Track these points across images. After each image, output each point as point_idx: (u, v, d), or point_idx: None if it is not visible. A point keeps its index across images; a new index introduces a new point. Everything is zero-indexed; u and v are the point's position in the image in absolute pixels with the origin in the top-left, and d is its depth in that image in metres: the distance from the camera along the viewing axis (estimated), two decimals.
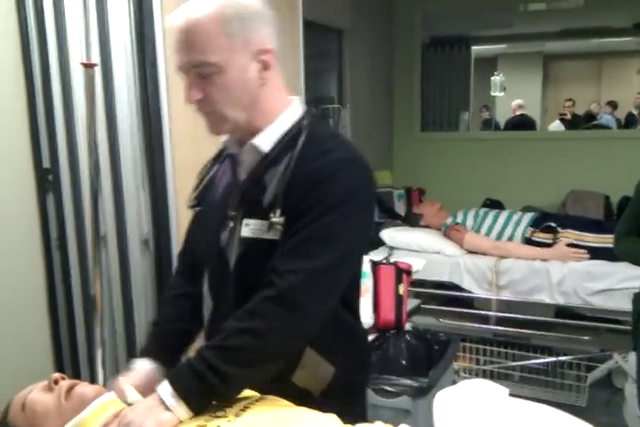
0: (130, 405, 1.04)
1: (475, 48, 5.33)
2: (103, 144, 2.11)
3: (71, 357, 2.31)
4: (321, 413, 0.99)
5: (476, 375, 3.24)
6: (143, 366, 1.21)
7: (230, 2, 1.08)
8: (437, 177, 4.97)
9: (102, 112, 2.08)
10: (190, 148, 2.13)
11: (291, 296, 1.05)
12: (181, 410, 0.97)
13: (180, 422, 0.97)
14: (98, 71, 2.00)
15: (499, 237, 3.42)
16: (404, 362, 2.50)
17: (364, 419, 1.16)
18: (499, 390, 1.01)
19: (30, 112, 2.19)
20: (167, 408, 0.97)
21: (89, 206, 2.16)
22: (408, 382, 2.08)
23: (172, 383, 1.00)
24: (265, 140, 1.15)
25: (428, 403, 2.08)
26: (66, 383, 1.04)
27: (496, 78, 6.71)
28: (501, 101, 6.59)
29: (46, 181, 2.23)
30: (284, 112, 1.17)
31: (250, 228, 1.13)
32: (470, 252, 3.40)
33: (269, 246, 1.10)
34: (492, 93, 6.69)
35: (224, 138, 1.28)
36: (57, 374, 1.07)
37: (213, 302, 1.23)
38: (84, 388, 1.04)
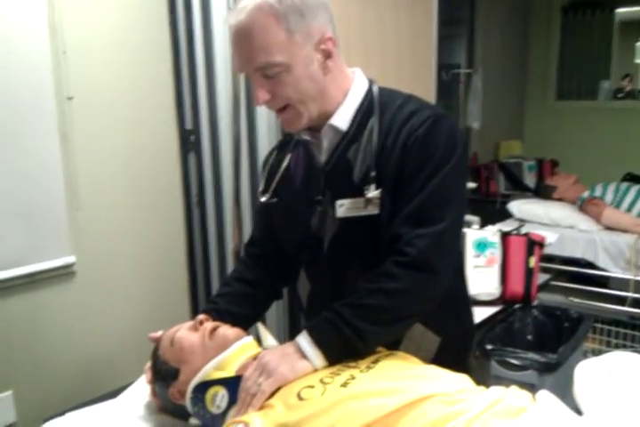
0: (265, 350, 1.10)
1: (619, 11, 4.85)
2: (242, 106, 2.19)
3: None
4: (453, 372, 0.99)
5: None
6: None
7: None
8: (572, 149, 4.65)
9: (243, 74, 2.15)
10: None
11: (423, 261, 1.05)
12: (318, 360, 1.01)
13: (315, 370, 1.01)
14: None
15: None
16: (529, 337, 2.42)
17: None
18: None
19: (175, 75, 2.32)
20: (304, 356, 1.01)
21: (228, 166, 2.28)
22: (536, 356, 2.02)
23: (311, 334, 1.03)
24: (341, 119, 1.13)
25: (555, 379, 2.02)
26: (210, 325, 1.12)
27: None
28: None
29: (188, 141, 2.37)
30: (351, 88, 1.14)
31: (345, 208, 1.12)
32: (608, 228, 3.18)
33: (366, 222, 1.10)
34: (638, 61, 6.09)
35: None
36: (202, 316, 1.15)
37: (310, 283, 1.25)
38: (225, 330, 1.11)
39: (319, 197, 1.16)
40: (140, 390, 1.23)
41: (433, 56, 2.68)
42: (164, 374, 1.10)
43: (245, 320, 1.28)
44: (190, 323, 1.15)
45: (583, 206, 3.32)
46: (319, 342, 1.02)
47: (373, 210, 1.09)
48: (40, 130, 1.86)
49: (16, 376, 1.93)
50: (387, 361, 1.02)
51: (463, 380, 0.97)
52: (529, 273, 2.23)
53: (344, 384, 0.92)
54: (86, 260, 2.07)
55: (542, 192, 3.73)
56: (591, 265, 3.16)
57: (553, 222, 3.27)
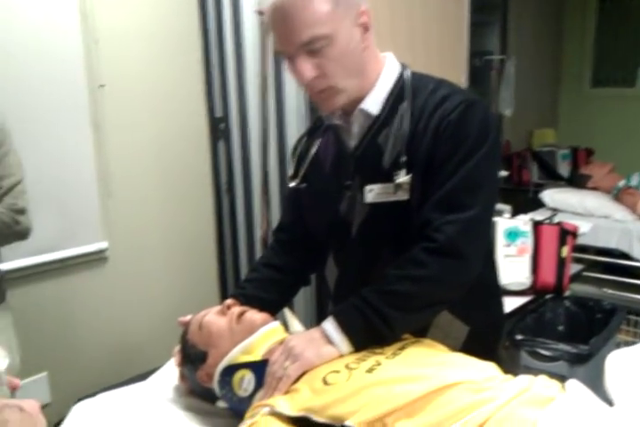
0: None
1: None
2: (271, 94, 2.19)
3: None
4: (479, 360, 0.98)
5: None
6: None
7: None
8: (608, 137, 4.53)
9: (271, 62, 2.15)
10: None
11: (451, 247, 1.04)
12: (344, 345, 1.00)
13: (340, 356, 1.01)
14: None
15: None
16: (560, 328, 2.38)
17: None
18: None
19: (205, 64, 2.33)
20: (329, 342, 1.01)
21: (256, 153, 2.28)
22: (567, 347, 1.98)
23: (337, 320, 1.03)
24: (373, 103, 1.11)
25: (586, 371, 1.99)
26: (237, 309, 1.13)
27: None
28: None
29: (218, 129, 2.38)
30: (383, 72, 1.13)
31: (374, 193, 1.11)
32: None
33: (395, 208, 1.09)
34: None
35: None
36: (230, 301, 1.16)
37: (338, 269, 1.25)
38: (253, 314, 1.11)
39: (348, 182, 1.15)
40: (170, 373, 1.25)
41: (464, 42, 2.63)
42: (193, 358, 1.11)
43: (273, 306, 1.28)
44: (218, 307, 1.16)
45: (618, 196, 3.25)
46: (345, 327, 1.01)
47: (403, 195, 1.08)
48: (73, 118, 1.90)
49: (50, 359, 1.99)
50: (413, 348, 1.01)
51: (490, 368, 0.95)
52: (561, 263, 2.19)
53: (370, 370, 0.92)
54: (118, 246, 2.11)
55: (576, 181, 3.65)
56: (625, 256, 3.08)
57: (587, 212, 3.20)
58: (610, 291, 3.11)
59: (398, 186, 1.07)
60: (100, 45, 1.96)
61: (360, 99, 1.12)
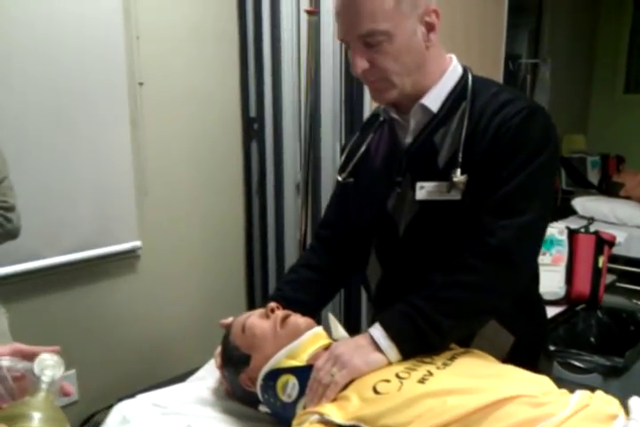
0: (334, 340, 1.08)
1: None
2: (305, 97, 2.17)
3: (262, 295, 2.50)
4: (532, 373, 0.96)
5: None
6: None
7: None
8: (639, 145, 4.46)
9: (305, 67, 2.13)
10: None
11: (504, 253, 1.01)
12: (392, 353, 0.98)
13: (388, 364, 0.99)
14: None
15: None
16: (592, 339, 2.34)
17: None
18: None
19: (241, 63, 2.33)
20: (378, 349, 0.99)
21: (289, 155, 2.27)
22: (601, 360, 1.95)
23: (385, 327, 1.01)
24: (433, 100, 1.10)
25: (621, 384, 1.95)
26: (281, 313, 1.11)
27: None
28: None
29: (251, 129, 2.37)
30: (448, 70, 1.12)
31: (426, 190, 1.09)
32: None
33: (447, 208, 1.07)
34: None
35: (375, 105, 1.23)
36: (273, 304, 1.15)
37: (382, 269, 1.22)
38: (297, 318, 1.10)
39: (399, 178, 1.14)
40: (208, 375, 1.24)
41: (502, 45, 2.60)
42: (235, 360, 1.10)
43: (312, 308, 1.26)
44: (261, 310, 1.14)
45: None
46: (394, 334, 0.99)
47: (456, 195, 1.06)
48: (112, 115, 1.90)
49: (80, 356, 1.99)
50: (464, 358, 0.99)
51: (546, 381, 0.93)
52: (597, 273, 2.15)
53: (421, 380, 0.90)
54: (151, 245, 2.11)
55: (608, 189, 3.59)
56: None
57: (620, 221, 3.15)
58: None
59: (453, 185, 1.06)
60: (140, 41, 1.96)
61: (418, 95, 1.11)
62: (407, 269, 1.16)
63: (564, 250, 2.17)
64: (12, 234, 1.39)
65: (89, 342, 2.02)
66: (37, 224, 1.73)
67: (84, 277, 1.96)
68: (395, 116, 1.16)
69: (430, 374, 0.92)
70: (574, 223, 3.08)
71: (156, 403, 1.14)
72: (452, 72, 1.12)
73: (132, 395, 1.17)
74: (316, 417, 0.89)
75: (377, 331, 1.01)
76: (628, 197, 3.43)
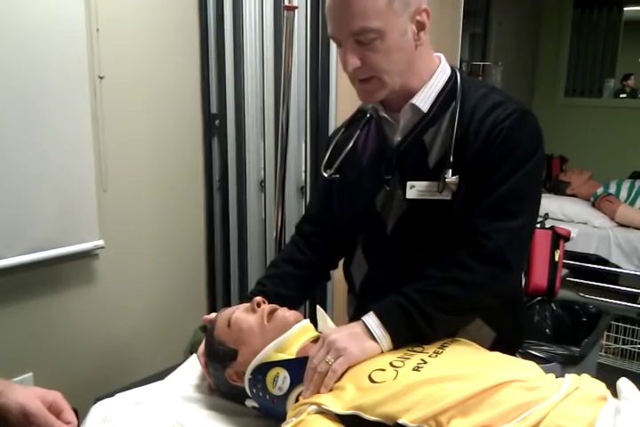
0: (321, 333, 1.08)
1: (627, 9, 4.85)
2: (269, 93, 2.16)
3: (223, 295, 2.46)
4: (521, 359, 0.98)
5: (613, 355, 3.10)
6: None
7: None
8: (579, 145, 4.64)
9: (272, 59, 2.12)
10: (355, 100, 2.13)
11: (499, 256, 1.05)
12: (385, 342, 1.00)
13: (381, 353, 1.00)
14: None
15: None
16: (547, 331, 2.43)
17: None
18: None
19: (202, 59, 2.29)
20: (372, 338, 1.00)
21: (252, 152, 2.25)
22: (559, 349, 2.02)
23: (380, 317, 1.02)
24: (423, 100, 1.11)
25: (578, 372, 2.03)
26: (268, 307, 1.10)
27: None
28: None
29: (213, 125, 2.34)
30: (436, 71, 1.13)
31: (417, 189, 1.10)
32: (621, 225, 3.20)
33: (436, 207, 1.09)
34: None
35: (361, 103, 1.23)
36: (259, 298, 1.13)
37: (368, 265, 1.23)
38: (285, 312, 1.09)
39: (388, 176, 1.14)
40: (189, 372, 1.22)
41: (458, 48, 2.65)
42: (221, 356, 1.08)
43: (293, 302, 1.26)
44: (246, 305, 1.13)
45: (597, 203, 3.33)
46: (388, 324, 1.01)
47: (447, 195, 1.08)
48: (73, 110, 1.83)
49: (36, 359, 1.92)
50: (454, 347, 1.01)
51: (534, 367, 0.96)
52: (553, 267, 2.22)
53: (416, 368, 0.91)
54: (112, 243, 2.05)
55: (555, 188, 3.74)
56: (599, 262, 3.17)
57: (567, 218, 3.28)
58: (588, 296, 3.18)
59: (445, 185, 1.07)
60: (100, 35, 1.90)
61: (407, 94, 1.11)
62: (394, 265, 1.17)
63: None
64: None
65: (46, 344, 1.95)
66: None
67: (43, 278, 1.89)
68: (384, 114, 1.17)
69: (424, 362, 0.93)
70: None
71: (137, 401, 1.11)
72: (441, 72, 1.14)
73: (110, 394, 1.14)
74: (313, 408, 0.89)
75: (371, 320, 1.02)
76: (574, 195, 3.58)
